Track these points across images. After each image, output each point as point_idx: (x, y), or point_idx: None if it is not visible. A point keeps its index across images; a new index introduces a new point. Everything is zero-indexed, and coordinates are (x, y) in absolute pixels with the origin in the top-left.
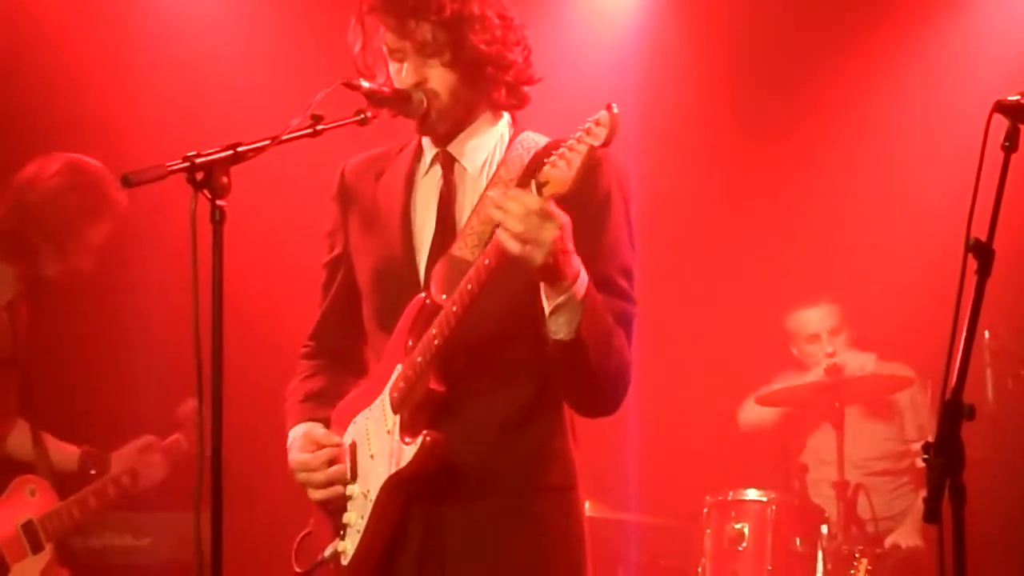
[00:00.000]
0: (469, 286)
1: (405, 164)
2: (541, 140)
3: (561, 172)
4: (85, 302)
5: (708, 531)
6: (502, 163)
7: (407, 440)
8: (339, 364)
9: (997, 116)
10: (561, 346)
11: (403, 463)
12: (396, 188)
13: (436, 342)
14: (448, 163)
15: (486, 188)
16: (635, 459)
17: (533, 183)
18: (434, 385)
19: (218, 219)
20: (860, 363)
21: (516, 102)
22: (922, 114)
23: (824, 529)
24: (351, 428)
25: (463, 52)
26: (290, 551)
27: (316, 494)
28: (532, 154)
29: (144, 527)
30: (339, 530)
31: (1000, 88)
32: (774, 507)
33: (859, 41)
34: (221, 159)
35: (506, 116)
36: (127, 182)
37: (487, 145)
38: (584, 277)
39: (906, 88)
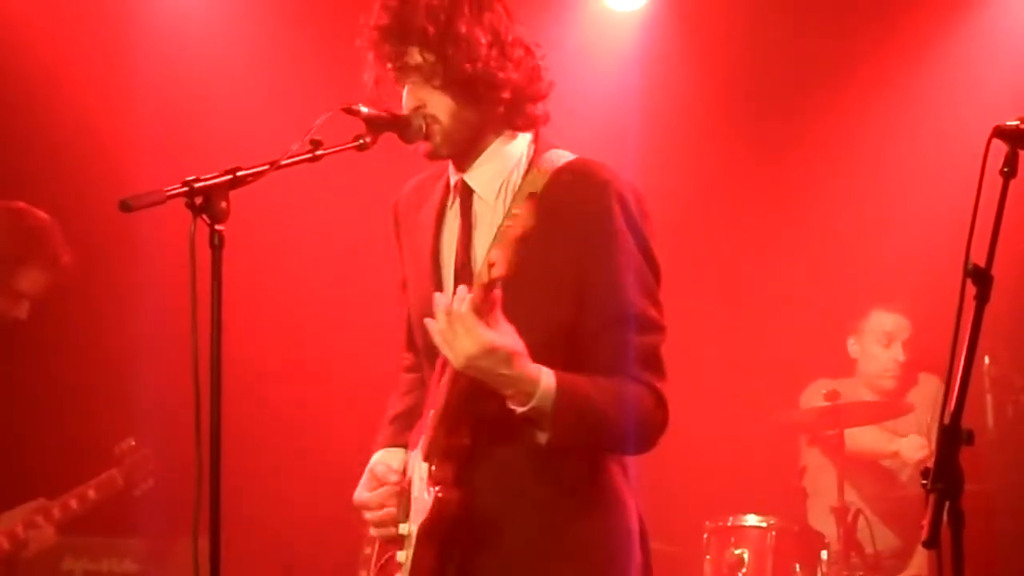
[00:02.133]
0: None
1: (439, 195)
2: (560, 159)
3: (502, 253)
4: (84, 326)
5: (708, 557)
6: (522, 185)
7: (431, 490)
8: (421, 381)
9: (996, 141)
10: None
11: (424, 516)
12: (428, 221)
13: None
14: (466, 194)
15: (505, 217)
16: (633, 484)
17: (485, 262)
18: (454, 439)
19: (217, 244)
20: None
21: (524, 121)
22: (922, 136)
23: (824, 555)
24: (410, 461)
25: (451, 74)
26: (283, 573)
27: (373, 532)
28: (548, 178)
29: (144, 552)
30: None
31: (1001, 112)
32: (774, 533)
33: (861, 60)
34: (220, 184)
35: (526, 135)
36: (126, 207)
37: (503, 169)
38: (547, 388)
39: (907, 109)
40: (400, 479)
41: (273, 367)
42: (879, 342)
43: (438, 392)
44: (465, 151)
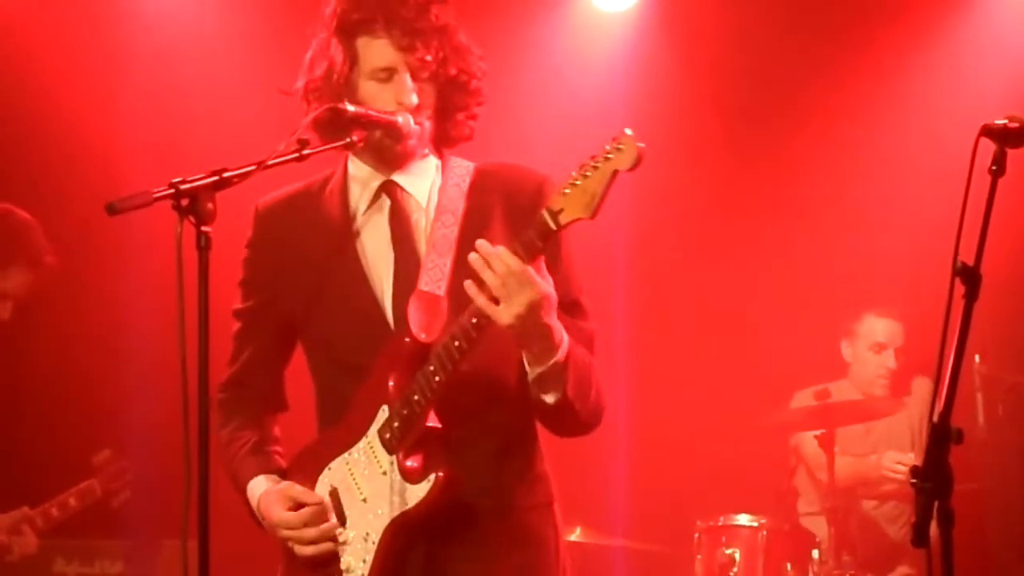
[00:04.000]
0: (474, 320)
1: (335, 199)
2: (468, 164)
3: (579, 197)
4: (70, 329)
5: (699, 557)
6: (442, 190)
7: (413, 479)
8: (265, 407)
9: (984, 140)
10: (547, 405)
11: (412, 502)
12: (333, 227)
13: (438, 378)
14: (396, 193)
15: (435, 218)
16: (625, 484)
17: (546, 212)
18: (432, 423)
19: (204, 245)
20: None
21: (464, 136)
22: (912, 137)
23: (815, 554)
24: (326, 475)
25: (455, 78)
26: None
27: (305, 550)
28: (468, 181)
29: (135, 554)
30: (329, 574)
31: (990, 111)
32: (765, 532)
33: (850, 61)
34: (206, 185)
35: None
36: (112, 209)
37: (427, 174)
38: (566, 342)
39: (896, 109)
40: (317, 497)
41: None
42: (871, 348)
43: (389, 388)
44: (410, 154)
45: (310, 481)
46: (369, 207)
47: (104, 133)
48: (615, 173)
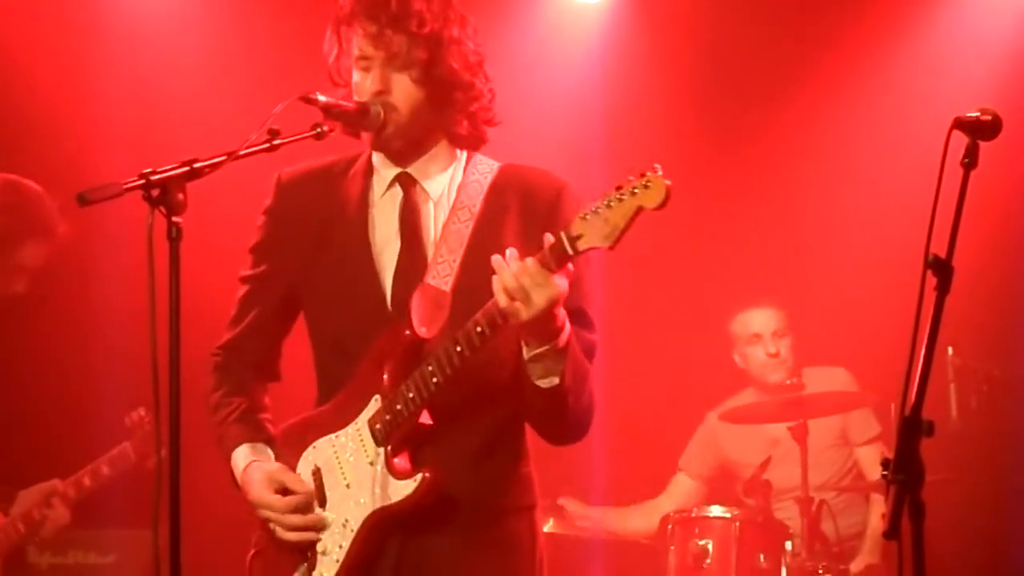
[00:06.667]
0: (479, 329)
1: (357, 183)
2: (493, 164)
3: (600, 227)
4: (40, 319)
5: (672, 548)
6: (461, 187)
7: (399, 475)
8: (258, 375)
9: (957, 133)
10: (541, 391)
11: (395, 499)
12: (349, 208)
13: (435, 380)
14: (409, 186)
15: (450, 214)
16: (599, 476)
17: (564, 236)
18: (424, 420)
19: (174, 236)
20: (829, 377)
21: (475, 139)
22: (884, 128)
23: (788, 545)
24: (311, 452)
25: (435, 70)
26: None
27: (287, 535)
28: (489, 180)
29: (108, 544)
30: (304, 553)
31: (963, 104)
32: (738, 523)
33: (824, 53)
34: (177, 176)
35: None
36: (83, 200)
37: (448, 168)
38: (568, 327)
39: (869, 101)
40: (306, 486)
41: None
42: (750, 344)
43: (383, 380)
44: (413, 147)
45: (295, 456)
46: (383, 195)
47: (78, 123)
48: (639, 209)
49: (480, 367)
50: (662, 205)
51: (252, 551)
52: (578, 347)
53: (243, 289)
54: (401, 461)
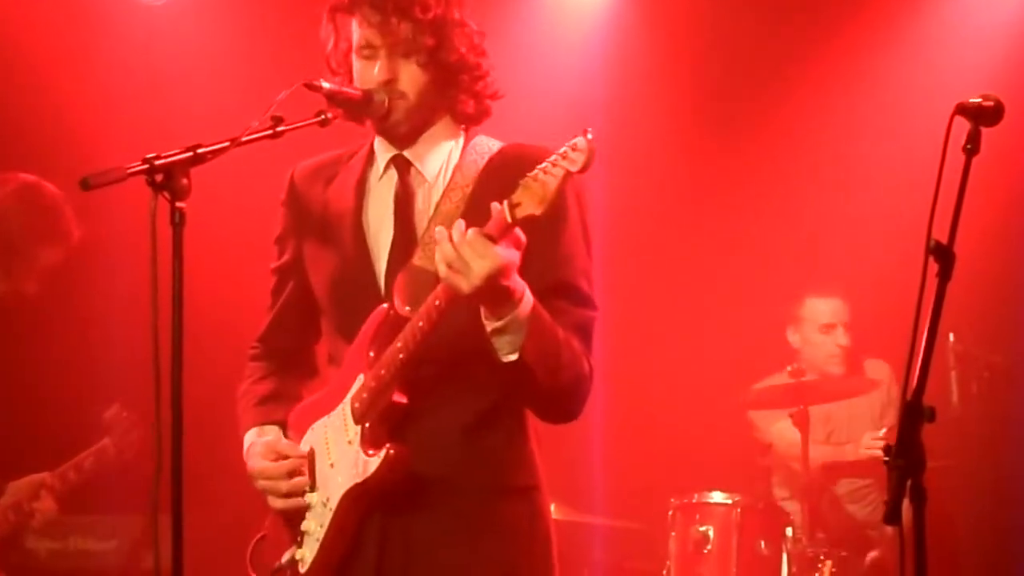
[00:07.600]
0: (437, 302)
1: (356, 169)
2: (494, 144)
3: (534, 194)
4: (38, 313)
5: (673, 534)
6: (458, 168)
7: (370, 452)
8: (290, 366)
9: (959, 119)
10: (505, 366)
11: (366, 474)
12: (347, 194)
13: (401, 356)
14: (404, 168)
15: (443, 194)
16: (600, 462)
17: (505, 203)
18: (397, 398)
19: (178, 221)
20: (874, 370)
21: (479, 115)
22: (887, 116)
23: (789, 532)
24: (309, 435)
25: (441, 55)
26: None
27: (277, 503)
28: (486, 159)
29: (108, 529)
30: (296, 537)
31: (965, 90)
32: (739, 510)
33: (826, 42)
34: (181, 161)
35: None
36: (86, 184)
37: (443, 151)
38: (528, 299)
39: (871, 90)
40: (301, 452)
41: (234, 344)
42: (819, 330)
43: (368, 359)
44: (417, 130)
45: (298, 439)
46: (380, 179)
47: (81, 109)
48: (568, 174)
49: (457, 342)
50: (585, 168)
51: (260, 535)
52: (550, 324)
53: (272, 280)
54: (375, 436)
